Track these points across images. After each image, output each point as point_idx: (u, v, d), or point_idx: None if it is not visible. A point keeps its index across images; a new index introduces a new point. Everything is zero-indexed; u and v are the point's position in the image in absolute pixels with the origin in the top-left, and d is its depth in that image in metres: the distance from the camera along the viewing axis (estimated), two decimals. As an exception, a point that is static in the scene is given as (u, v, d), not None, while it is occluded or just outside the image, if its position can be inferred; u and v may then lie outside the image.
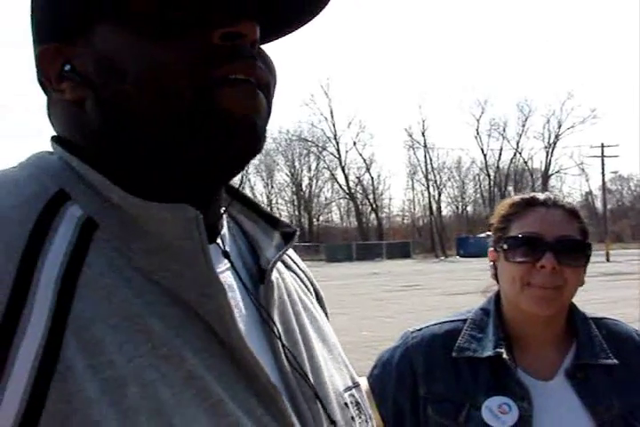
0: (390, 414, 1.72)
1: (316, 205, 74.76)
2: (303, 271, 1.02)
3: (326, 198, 76.78)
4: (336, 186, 74.94)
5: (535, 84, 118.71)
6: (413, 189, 78.02)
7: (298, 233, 0.91)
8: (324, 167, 73.98)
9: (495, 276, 1.77)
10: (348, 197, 73.76)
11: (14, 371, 0.61)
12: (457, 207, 79.52)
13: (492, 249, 1.77)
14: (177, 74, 0.73)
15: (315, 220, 75.51)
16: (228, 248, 0.85)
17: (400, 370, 1.73)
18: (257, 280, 0.85)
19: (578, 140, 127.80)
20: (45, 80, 0.81)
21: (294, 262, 1.00)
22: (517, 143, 74.19)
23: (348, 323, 13.61)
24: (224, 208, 0.86)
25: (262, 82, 0.77)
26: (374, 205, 73.11)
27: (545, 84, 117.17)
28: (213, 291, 0.73)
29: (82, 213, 0.72)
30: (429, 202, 71.17)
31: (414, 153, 73.74)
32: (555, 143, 73.61)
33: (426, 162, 71.00)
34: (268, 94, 0.79)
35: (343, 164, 71.56)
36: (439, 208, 72.89)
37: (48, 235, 0.68)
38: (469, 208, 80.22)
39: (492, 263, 1.77)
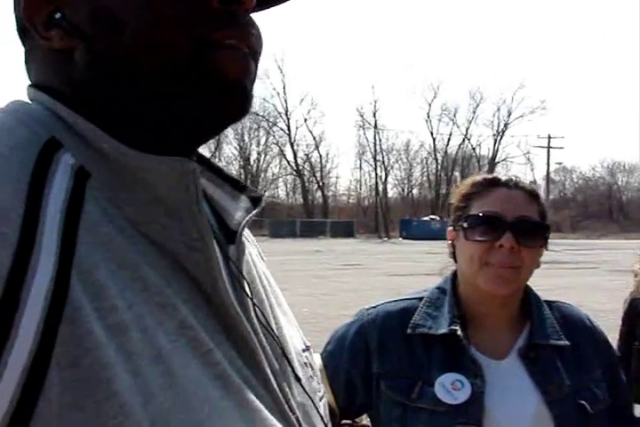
0: (342, 389, 1.73)
1: (263, 180, 74.36)
2: (249, 235, 1.03)
3: (273, 174, 76.63)
4: (284, 162, 74.79)
5: (488, 72, 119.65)
6: (361, 169, 78.44)
7: (265, 197, 0.92)
8: (274, 143, 73.74)
9: (453, 255, 1.78)
10: (295, 173, 73.67)
11: (26, 312, 0.60)
12: (403, 189, 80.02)
13: (450, 228, 1.78)
14: (178, 31, 0.73)
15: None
16: None
17: (354, 346, 1.74)
18: (223, 241, 0.86)
19: (526, 129, 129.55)
20: (30, 26, 0.79)
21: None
22: (467, 129, 74.81)
23: (289, 299, 13.24)
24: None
25: (253, 49, 0.79)
26: (321, 183, 73.15)
27: (497, 73, 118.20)
28: (203, 244, 0.74)
29: (74, 161, 0.71)
30: (376, 183, 71.44)
31: (364, 133, 74.01)
32: (503, 131, 74.44)
33: (375, 143, 71.25)
34: (257, 61, 0.81)
35: (293, 140, 71.36)
36: (385, 189, 73.26)
37: (47, 179, 0.67)
38: (415, 191, 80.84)
39: (449, 242, 1.78)
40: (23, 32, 0.82)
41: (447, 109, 76.66)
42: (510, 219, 1.64)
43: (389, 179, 75.83)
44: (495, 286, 1.64)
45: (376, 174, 71.65)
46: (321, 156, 73.68)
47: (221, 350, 0.73)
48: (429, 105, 73.88)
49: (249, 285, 0.84)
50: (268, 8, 0.91)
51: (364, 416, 1.80)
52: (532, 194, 1.72)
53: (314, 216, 67.48)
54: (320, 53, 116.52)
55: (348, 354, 1.73)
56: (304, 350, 0.93)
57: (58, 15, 0.77)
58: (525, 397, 1.62)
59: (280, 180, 77.59)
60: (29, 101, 0.79)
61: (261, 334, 0.81)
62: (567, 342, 1.70)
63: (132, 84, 0.75)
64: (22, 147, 0.69)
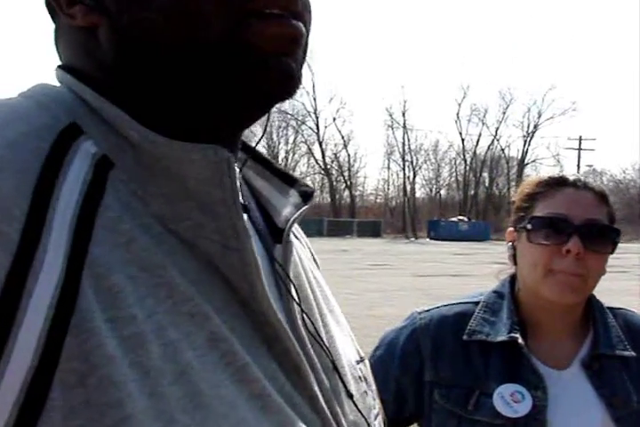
0: (392, 398, 1.63)
1: (291, 178, 74.52)
2: (301, 234, 0.95)
3: (302, 173, 76.50)
4: (312, 161, 74.76)
5: (518, 73, 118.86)
6: (389, 168, 78.26)
7: (316, 193, 0.84)
8: (302, 141, 73.76)
9: (513, 257, 1.68)
10: (323, 172, 73.63)
11: (26, 322, 0.53)
12: (431, 190, 79.69)
13: (511, 229, 1.68)
14: (209, 3, 0.65)
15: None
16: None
17: (405, 352, 1.64)
18: (269, 240, 0.78)
19: (556, 131, 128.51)
20: (55, 4, 0.72)
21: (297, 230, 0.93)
22: (496, 130, 74.19)
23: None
24: (242, 164, 0.80)
25: (301, 14, 0.70)
26: (349, 183, 73.11)
27: (528, 74, 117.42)
28: (240, 243, 0.65)
29: (97, 149, 0.64)
30: (404, 183, 71.34)
31: (393, 133, 73.99)
32: (533, 133, 73.85)
33: (404, 143, 71.14)
34: (306, 27, 0.71)
35: (321, 139, 71.32)
36: (413, 189, 73.07)
37: (62, 169, 0.60)
38: (443, 192, 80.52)
39: (510, 244, 1.68)
40: (51, 8, 0.75)
41: (477, 110, 76.06)
42: (578, 222, 1.53)
43: (417, 179, 75.69)
44: (560, 296, 1.53)
45: (404, 174, 71.60)
46: (349, 155, 73.60)
47: (260, 365, 0.65)
48: (459, 105, 73.72)
49: (296, 289, 0.76)
50: None
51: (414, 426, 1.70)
52: (601, 195, 1.61)
53: (341, 215, 67.48)
54: (350, 52, 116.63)
55: (399, 361, 1.64)
56: (358, 362, 0.85)
57: None
58: (590, 411, 1.52)
59: (308, 178, 77.43)
60: (57, 84, 0.72)
61: (309, 346, 0.73)
62: (633, 353, 1.60)
63: (161, 63, 0.67)
64: (37, 133, 0.62)
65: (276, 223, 0.80)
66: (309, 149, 73.38)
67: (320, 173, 74.36)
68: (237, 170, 0.69)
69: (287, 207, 0.82)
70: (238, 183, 0.68)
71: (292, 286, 0.75)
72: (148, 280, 0.60)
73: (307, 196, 0.83)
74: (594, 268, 1.54)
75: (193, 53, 0.66)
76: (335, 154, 73.65)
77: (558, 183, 1.61)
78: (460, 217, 60.30)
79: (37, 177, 0.58)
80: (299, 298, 0.75)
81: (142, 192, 0.64)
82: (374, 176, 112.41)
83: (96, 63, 0.71)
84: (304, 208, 0.81)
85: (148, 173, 0.65)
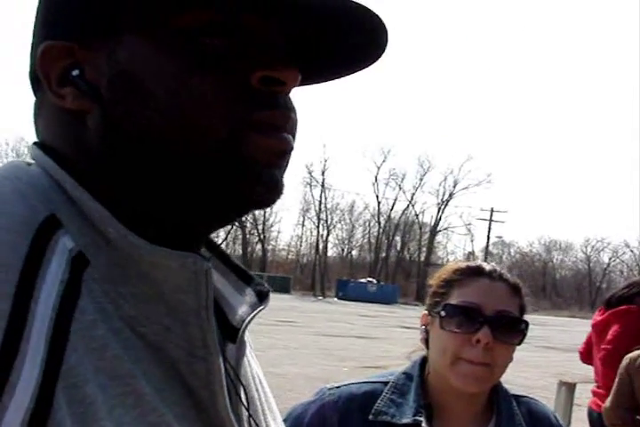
0: None
1: (204, 228, 74.05)
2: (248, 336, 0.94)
3: (215, 223, 76.29)
4: (227, 212, 74.56)
5: (437, 142, 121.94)
6: (303, 225, 78.49)
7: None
8: (219, 192, 73.62)
9: (425, 341, 1.71)
10: (237, 224, 73.38)
11: None
12: (343, 250, 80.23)
13: (425, 313, 1.71)
14: (210, 111, 0.66)
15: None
16: None
17: None
18: (220, 338, 0.76)
19: (470, 200, 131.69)
20: (43, 78, 0.70)
21: None
22: (412, 196, 75.43)
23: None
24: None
25: (290, 131, 0.72)
26: (262, 236, 72.96)
27: (447, 143, 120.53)
28: (207, 353, 0.65)
29: (73, 245, 0.62)
30: (317, 241, 71.61)
31: (311, 190, 74.27)
32: (448, 201, 75.30)
33: (320, 201, 71.62)
34: (293, 146, 0.73)
35: (238, 191, 71.29)
36: (325, 248, 73.35)
37: (41, 268, 0.58)
38: (354, 252, 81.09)
39: (423, 327, 1.71)
40: (35, 80, 0.73)
41: (395, 174, 77.17)
42: (490, 312, 1.58)
43: (330, 238, 76.08)
44: (466, 385, 1.57)
45: (318, 232, 71.93)
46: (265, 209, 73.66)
47: None
48: (378, 168, 74.74)
49: (246, 392, 0.76)
50: (307, 85, 0.83)
51: None
52: (514, 287, 1.66)
53: (251, 269, 66.94)
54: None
55: None
56: None
57: (76, 72, 0.68)
58: None
59: (221, 229, 77.22)
60: (31, 161, 0.70)
61: None
62: None
63: (150, 161, 0.67)
64: (16, 228, 0.59)
65: (229, 320, 0.79)
66: (226, 200, 73.15)
67: (234, 224, 74.08)
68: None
69: (243, 306, 0.81)
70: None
71: (242, 388, 0.75)
72: (117, 389, 0.58)
73: (262, 295, 0.83)
74: (501, 358, 1.58)
75: (185, 158, 0.66)
76: (251, 207, 73.63)
77: (474, 272, 1.66)
78: (370, 279, 60.69)
79: (18, 280, 0.56)
80: (247, 400, 0.75)
81: (115, 293, 0.63)
82: (288, 232, 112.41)
83: (79, 149, 0.69)
84: (260, 308, 0.81)
85: (121, 274, 0.64)
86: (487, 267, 1.68)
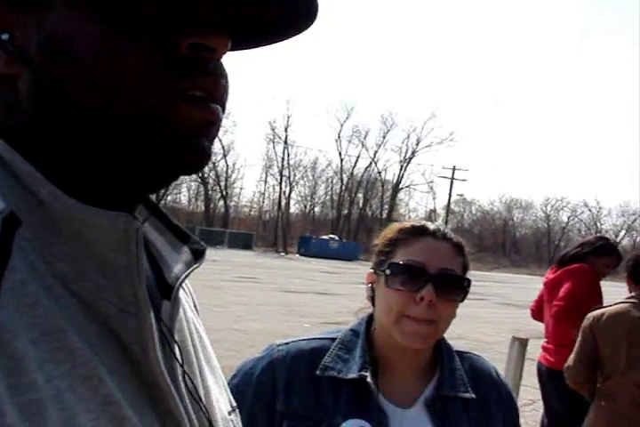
0: (244, 424, 1.67)
1: (167, 184, 73.44)
2: (189, 287, 0.97)
3: (178, 179, 75.72)
4: (190, 168, 73.96)
5: (401, 99, 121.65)
6: (266, 182, 78.47)
7: (207, 250, 0.86)
8: (181, 148, 72.91)
9: (371, 299, 1.76)
10: (199, 180, 73.05)
11: None
12: (305, 206, 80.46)
13: (371, 271, 1.75)
14: (137, 77, 0.66)
15: (162, 199, 74.52)
16: None
17: (260, 382, 1.69)
18: (157, 294, 0.79)
19: (432, 159, 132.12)
20: None
21: None
22: (375, 153, 75.72)
23: (181, 308, 13.38)
24: (143, 221, 0.80)
25: (220, 99, 0.73)
26: (224, 193, 72.78)
27: (410, 101, 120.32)
28: (137, 309, 0.68)
29: (4, 206, 0.64)
30: (279, 197, 71.58)
31: (274, 147, 74.35)
32: (410, 159, 75.70)
33: (283, 157, 71.50)
34: (223, 111, 0.75)
35: (201, 147, 70.62)
36: (288, 205, 73.50)
37: None
38: (317, 209, 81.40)
39: (369, 285, 1.76)
40: None
41: (358, 131, 77.35)
42: (433, 270, 1.62)
43: (293, 195, 76.30)
44: (410, 341, 1.62)
45: (280, 189, 71.87)
46: (227, 165, 73.28)
47: (146, 424, 0.67)
48: (341, 125, 74.86)
49: (179, 347, 0.78)
50: (239, 50, 0.83)
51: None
52: (458, 246, 1.71)
53: (214, 225, 67.00)
54: (235, 63, 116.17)
55: (254, 390, 1.68)
56: (230, 413, 0.88)
57: (5, 36, 0.69)
58: None
59: (183, 185, 76.72)
60: None
61: (189, 404, 0.75)
62: (473, 395, 1.69)
63: (79, 125, 0.68)
64: None
65: (165, 278, 0.81)
66: (188, 156, 72.55)
67: (196, 180, 73.64)
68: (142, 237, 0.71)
69: (178, 264, 0.83)
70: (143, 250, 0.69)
71: (175, 345, 0.77)
72: (48, 344, 0.60)
73: (198, 253, 0.85)
74: (445, 314, 1.63)
75: (112, 123, 0.67)
76: (214, 163, 73.04)
77: (419, 232, 1.70)
78: (332, 235, 61.00)
79: None
80: (181, 355, 0.77)
81: (47, 252, 0.65)
82: (250, 188, 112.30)
83: (10, 113, 0.70)
84: (194, 266, 0.83)
85: (53, 232, 0.65)
86: (431, 226, 1.72)
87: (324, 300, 18.68)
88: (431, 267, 1.63)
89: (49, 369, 0.59)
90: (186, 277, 0.81)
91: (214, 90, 0.71)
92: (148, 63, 0.67)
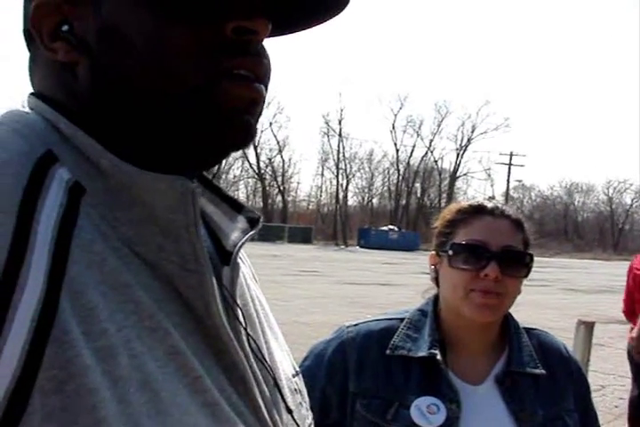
0: (317, 405, 1.71)
1: (224, 181, 73.96)
2: (244, 255, 1.01)
3: (235, 176, 76.19)
4: (246, 164, 74.53)
5: (455, 87, 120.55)
6: (323, 175, 78.57)
7: (262, 219, 0.91)
8: (237, 145, 73.24)
9: (436, 280, 1.79)
10: (257, 176, 73.47)
11: (12, 333, 0.58)
12: (363, 198, 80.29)
13: (433, 253, 1.79)
14: (186, 60, 0.72)
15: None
16: None
17: (332, 363, 1.74)
18: (218, 262, 0.84)
19: (488, 145, 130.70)
20: (35, 35, 0.77)
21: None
22: (430, 142, 75.23)
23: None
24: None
25: (263, 79, 0.77)
26: (282, 188, 73.09)
27: (464, 88, 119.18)
28: (198, 266, 0.72)
29: (70, 176, 0.69)
30: (337, 190, 71.63)
31: (328, 140, 74.23)
32: (466, 146, 75.09)
33: (339, 150, 71.47)
34: (266, 90, 0.79)
35: (256, 143, 70.99)
36: (345, 197, 73.41)
37: (41, 195, 0.65)
38: (375, 200, 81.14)
39: (432, 267, 1.79)
40: (29, 36, 0.80)
41: (412, 121, 76.88)
42: (495, 248, 1.65)
43: (350, 187, 76.16)
44: (479, 314, 1.65)
45: (337, 182, 71.89)
46: (284, 160, 73.63)
47: (211, 377, 0.71)
48: (395, 116, 74.53)
49: (241, 309, 0.82)
50: (281, 35, 0.89)
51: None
52: (517, 223, 1.73)
53: (273, 220, 67.32)
54: (289, 58, 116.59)
55: (326, 371, 1.73)
56: (294, 376, 0.92)
57: (65, 27, 0.75)
58: (499, 423, 1.63)
59: (241, 182, 77.29)
60: (29, 110, 0.77)
61: (253, 361, 0.79)
62: (543, 371, 1.72)
63: (134, 106, 0.74)
64: (17, 161, 0.67)
65: (224, 246, 0.86)
66: (244, 153, 72.78)
67: (253, 177, 74.22)
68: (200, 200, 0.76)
69: (235, 232, 0.87)
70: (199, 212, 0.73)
71: (237, 306, 0.82)
72: (117, 297, 0.65)
73: (253, 221, 0.90)
74: (510, 290, 1.66)
75: (164, 103, 0.73)
76: (270, 159, 73.62)
77: (477, 211, 1.73)
78: (391, 226, 60.73)
79: (20, 202, 0.63)
80: (244, 317, 0.82)
81: (111, 217, 0.70)
82: (307, 182, 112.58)
83: (72, 95, 0.76)
84: (251, 233, 0.87)
85: (116, 199, 0.71)
86: (489, 205, 1.75)
87: (386, 291, 18.67)
88: (493, 245, 1.65)
89: (119, 319, 0.64)
90: (243, 243, 0.86)
91: (257, 69, 0.76)
92: (195, 46, 0.72)
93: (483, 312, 1.65)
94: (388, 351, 1.70)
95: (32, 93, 0.80)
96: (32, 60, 0.81)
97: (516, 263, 1.68)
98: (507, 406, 1.65)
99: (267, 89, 0.79)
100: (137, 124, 0.74)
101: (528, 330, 1.82)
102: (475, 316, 1.66)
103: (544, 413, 1.67)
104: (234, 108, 0.74)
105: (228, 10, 0.74)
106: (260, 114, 0.80)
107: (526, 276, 1.70)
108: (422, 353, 1.67)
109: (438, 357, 1.66)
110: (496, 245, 1.65)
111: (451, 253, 1.70)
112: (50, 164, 0.68)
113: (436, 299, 1.80)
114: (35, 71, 0.81)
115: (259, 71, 0.76)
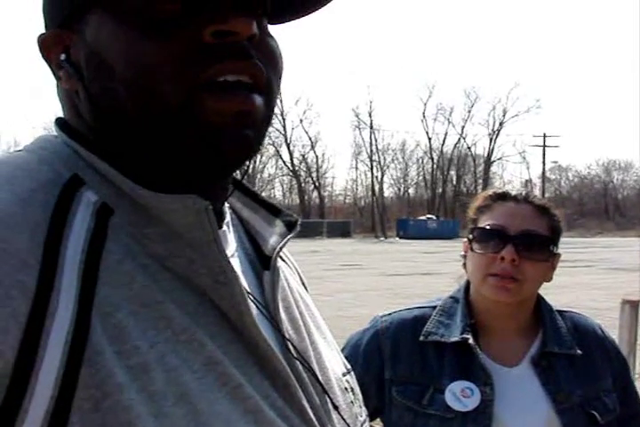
0: None
1: (260, 180, 74.05)
2: (291, 260, 1.04)
3: (270, 175, 76.20)
4: (280, 162, 74.49)
5: (483, 71, 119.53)
6: (357, 169, 78.86)
7: (300, 222, 0.92)
8: (270, 143, 73.24)
9: (464, 265, 1.82)
10: (291, 173, 73.47)
11: (46, 357, 0.61)
12: (399, 189, 79.88)
13: (465, 240, 1.82)
14: (163, 76, 0.71)
15: (256, 196, 74.69)
16: (233, 234, 0.87)
17: (368, 353, 1.78)
18: (259, 267, 0.87)
19: (521, 128, 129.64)
20: (47, 64, 0.81)
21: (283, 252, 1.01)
22: (462, 128, 74.61)
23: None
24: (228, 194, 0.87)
25: (259, 80, 0.74)
26: (317, 184, 72.96)
27: (492, 72, 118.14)
28: (227, 278, 0.74)
29: (97, 198, 0.72)
30: (372, 182, 71.28)
31: (360, 133, 74.24)
32: (499, 131, 74.32)
33: (371, 143, 71.12)
34: (269, 91, 0.76)
35: (288, 141, 71.12)
36: (381, 189, 73.05)
37: (67, 220, 0.68)
38: (411, 190, 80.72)
39: (463, 253, 1.83)
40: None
41: (442, 109, 76.35)
42: (513, 232, 1.68)
43: (385, 178, 75.76)
44: (497, 295, 1.68)
45: (372, 174, 71.53)
46: (317, 156, 73.49)
47: (253, 384, 0.73)
48: (424, 104, 73.89)
49: (280, 315, 0.83)
50: (279, 23, 0.86)
51: (377, 421, 1.83)
52: (541, 208, 1.76)
53: (310, 216, 67.29)
54: (315, 54, 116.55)
55: (362, 360, 1.77)
56: (344, 374, 0.92)
57: (63, 56, 0.77)
58: (535, 404, 1.66)
59: (276, 180, 77.32)
60: (55, 136, 0.80)
61: (297, 365, 0.80)
62: (579, 352, 1.74)
63: (129, 130, 0.74)
64: (43, 189, 0.69)
65: (263, 251, 0.88)
66: (277, 151, 73.09)
67: (288, 174, 74.18)
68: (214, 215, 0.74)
69: (273, 236, 0.89)
70: (216, 225, 0.74)
71: (279, 311, 0.83)
72: (148, 314, 0.67)
73: (291, 225, 0.90)
74: (530, 274, 1.68)
75: (153, 125, 0.72)
76: (303, 155, 73.54)
77: (500, 197, 1.78)
78: (429, 215, 60.49)
79: (47, 229, 0.65)
80: (288, 322, 0.84)
81: (140, 235, 0.72)
82: (342, 177, 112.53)
83: (81, 121, 0.79)
84: (289, 237, 0.88)
85: (142, 218, 0.73)
86: (513, 192, 1.79)
87: (428, 280, 18.59)
88: (512, 229, 1.69)
89: (151, 336, 0.67)
90: (282, 247, 0.88)
91: (248, 72, 0.73)
92: (171, 59, 0.71)
93: (499, 293, 1.68)
94: (421, 338, 1.74)
95: (56, 120, 0.83)
96: (57, 88, 0.84)
97: (536, 247, 1.70)
98: (543, 387, 1.68)
99: (271, 92, 0.77)
100: (135, 147, 0.75)
101: (561, 312, 1.84)
102: (492, 296, 1.69)
103: (581, 393, 1.69)
104: (220, 123, 0.72)
105: (203, 16, 0.72)
106: (265, 121, 0.77)
107: (548, 260, 1.73)
108: (455, 338, 1.71)
109: (470, 341, 1.69)
110: (514, 230, 1.69)
111: (471, 237, 1.74)
112: (77, 187, 0.71)
113: (467, 285, 1.83)
114: (59, 99, 0.84)
115: (249, 72, 0.73)
